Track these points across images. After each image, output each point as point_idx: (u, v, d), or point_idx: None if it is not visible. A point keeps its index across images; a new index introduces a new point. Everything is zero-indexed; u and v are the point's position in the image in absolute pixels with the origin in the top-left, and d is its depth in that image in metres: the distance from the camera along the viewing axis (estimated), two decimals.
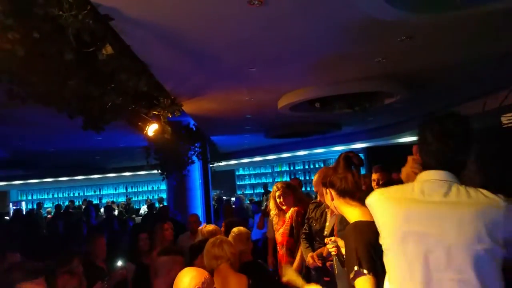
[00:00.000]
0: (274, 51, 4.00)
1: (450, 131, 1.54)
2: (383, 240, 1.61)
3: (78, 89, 3.27)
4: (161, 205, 11.37)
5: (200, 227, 3.99)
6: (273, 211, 4.27)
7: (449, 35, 3.80)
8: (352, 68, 4.78)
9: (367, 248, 1.75)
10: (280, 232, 4.21)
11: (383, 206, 1.62)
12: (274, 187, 4.31)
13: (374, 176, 4.40)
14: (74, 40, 2.58)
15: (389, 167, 4.43)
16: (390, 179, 4.19)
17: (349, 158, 2.06)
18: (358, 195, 1.98)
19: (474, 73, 5.26)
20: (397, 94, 5.83)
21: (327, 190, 2.06)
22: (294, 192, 4.27)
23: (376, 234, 1.66)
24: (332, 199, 2.05)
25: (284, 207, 4.18)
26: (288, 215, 4.16)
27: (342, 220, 2.37)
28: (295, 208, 4.13)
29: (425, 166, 1.60)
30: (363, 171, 8.62)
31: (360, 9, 3.04)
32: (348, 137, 10.79)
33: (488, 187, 1.51)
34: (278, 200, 4.20)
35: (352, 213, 1.98)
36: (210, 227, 4.05)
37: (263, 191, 14.52)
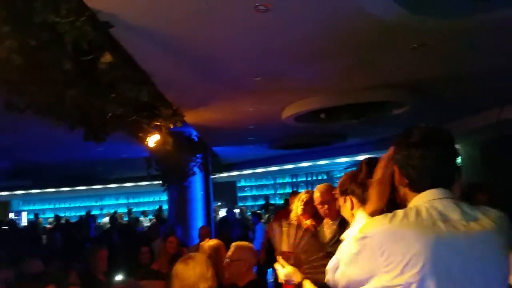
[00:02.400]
0: (280, 59, 3.89)
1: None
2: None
3: (78, 99, 3.17)
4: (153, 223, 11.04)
5: (202, 242, 3.67)
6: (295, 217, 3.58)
7: (464, 42, 3.63)
8: (360, 77, 4.65)
9: None
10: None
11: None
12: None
13: None
14: (72, 48, 2.48)
15: None
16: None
17: (372, 162, 1.88)
18: None
19: (489, 82, 5.02)
20: (406, 104, 5.66)
21: (346, 198, 1.93)
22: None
23: None
24: (352, 208, 1.90)
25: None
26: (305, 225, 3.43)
27: None
28: (313, 222, 3.48)
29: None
30: None
31: (367, 11, 2.88)
32: (352, 149, 10.59)
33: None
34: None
35: None
36: (213, 241, 3.59)
37: (264, 202, 14.30)
